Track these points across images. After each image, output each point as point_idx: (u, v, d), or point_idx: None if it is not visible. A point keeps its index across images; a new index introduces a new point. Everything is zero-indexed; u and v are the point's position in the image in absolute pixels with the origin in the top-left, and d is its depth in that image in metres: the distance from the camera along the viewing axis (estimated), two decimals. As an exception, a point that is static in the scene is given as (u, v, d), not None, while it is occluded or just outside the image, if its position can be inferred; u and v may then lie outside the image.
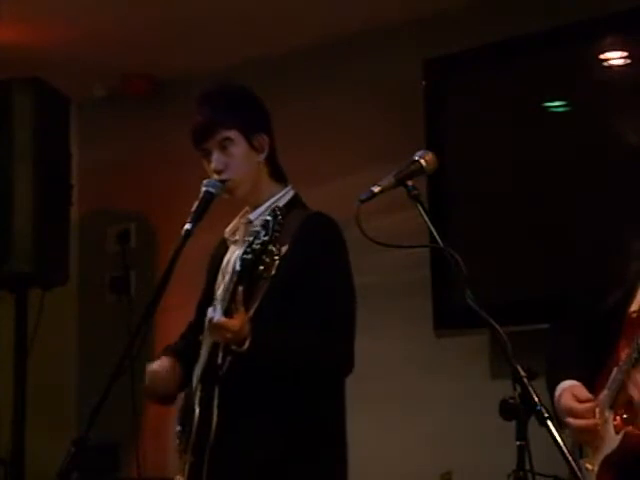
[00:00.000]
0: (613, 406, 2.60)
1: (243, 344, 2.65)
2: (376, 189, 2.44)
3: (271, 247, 2.56)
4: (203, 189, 2.85)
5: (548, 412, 2.20)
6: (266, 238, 2.56)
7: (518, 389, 2.24)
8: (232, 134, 2.89)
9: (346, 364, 2.84)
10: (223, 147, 2.89)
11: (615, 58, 4.20)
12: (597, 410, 2.62)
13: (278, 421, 2.77)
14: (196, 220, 2.78)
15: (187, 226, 2.76)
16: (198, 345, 2.87)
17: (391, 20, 4.81)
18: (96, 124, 5.78)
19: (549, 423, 2.18)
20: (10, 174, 4.72)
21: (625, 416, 2.58)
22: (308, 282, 2.78)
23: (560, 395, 2.67)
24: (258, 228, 2.61)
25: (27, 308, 4.85)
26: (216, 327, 2.63)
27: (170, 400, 2.97)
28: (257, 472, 2.76)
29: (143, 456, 5.20)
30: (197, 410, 2.77)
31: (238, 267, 2.59)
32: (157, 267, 5.41)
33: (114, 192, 5.72)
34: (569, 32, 4.28)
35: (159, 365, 2.93)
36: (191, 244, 2.75)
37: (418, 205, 2.45)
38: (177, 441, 2.85)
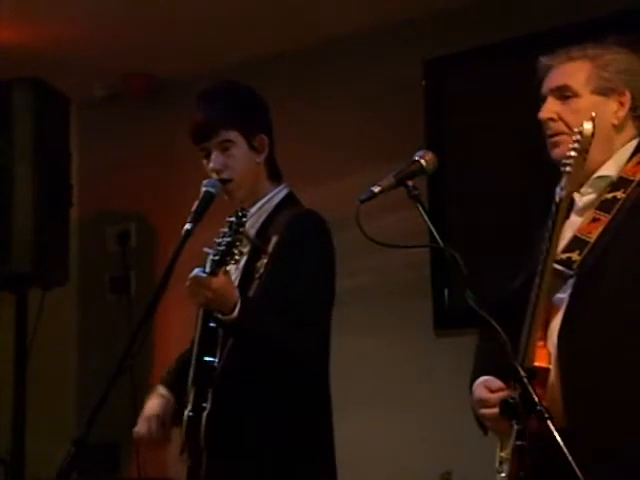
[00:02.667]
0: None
1: (228, 310, 2.60)
2: (376, 189, 2.44)
3: (234, 249, 2.55)
4: (203, 189, 2.84)
5: (548, 412, 2.20)
6: (229, 239, 2.55)
7: (518, 389, 2.24)
8: (232, 135, 2.89)
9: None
10: (224, 148, 2.89)
11: (615, 58, 4.19)
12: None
13: (270, 421, 2.75)
14: (196, 220, 2.77)
15: (187, 226, 2.75)
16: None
17: (391, 20, 4.81)
18: (96, 124, 5.78)
19: (549, 423, 2.18)
20: (10, 174, 4.72)
21: None
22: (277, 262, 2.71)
23: (474, 390, 2.65)
24: (225, 229, 2.60)
25: (27, 308, 4.85)
26: (195, 283, 2.58)
27: (166, 441, 2.97)
28: (252, 473, 2.75)
29: (143, 456, 5.20)
30: (187, 412, 2.75)
31: (208, 269, 2.58)
32: (157, 267, 5.41)
33: (114, 192, 5.71)
34: (569, 32, 4.27)
35: (150, 410, 2.95)
36: (191, 244, 2.74)
37: (418, 205, 2.44)
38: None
